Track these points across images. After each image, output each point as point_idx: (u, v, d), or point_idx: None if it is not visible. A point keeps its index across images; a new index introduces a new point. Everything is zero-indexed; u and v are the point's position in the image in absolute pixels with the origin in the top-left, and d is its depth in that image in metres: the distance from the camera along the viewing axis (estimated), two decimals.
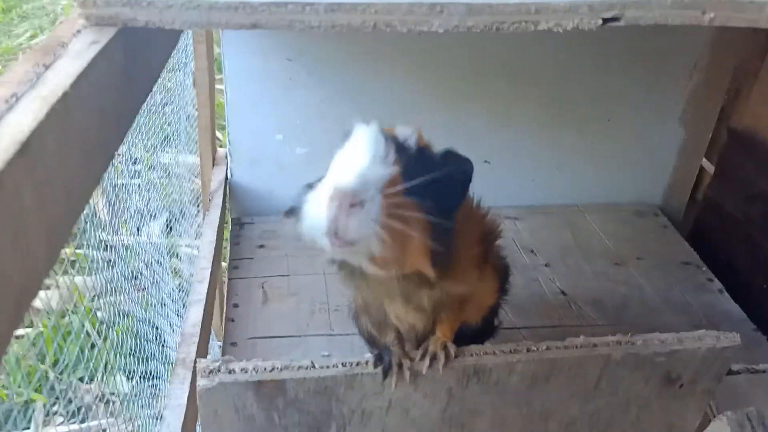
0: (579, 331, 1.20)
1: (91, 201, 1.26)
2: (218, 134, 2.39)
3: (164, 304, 1.81)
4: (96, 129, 0.80)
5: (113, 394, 1.39)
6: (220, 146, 2.20)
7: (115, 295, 1.43)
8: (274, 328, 1.64)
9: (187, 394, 1.28)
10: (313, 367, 1.11)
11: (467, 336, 1.17)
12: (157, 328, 1.70)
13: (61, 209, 0.70)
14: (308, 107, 1.91)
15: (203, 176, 2.04)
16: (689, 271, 1.93)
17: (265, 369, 1.11)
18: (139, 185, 1.90)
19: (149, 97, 1.70)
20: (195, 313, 1.45)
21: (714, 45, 1.98)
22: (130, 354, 1.32)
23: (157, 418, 1.44)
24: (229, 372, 1.10)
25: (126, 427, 1.31)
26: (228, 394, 1.10)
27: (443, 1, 0.78)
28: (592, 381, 1.19)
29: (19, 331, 0.92)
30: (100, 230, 1.40)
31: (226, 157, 2.01)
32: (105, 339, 1.23)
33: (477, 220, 1.13)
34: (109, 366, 1.21)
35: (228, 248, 1.96)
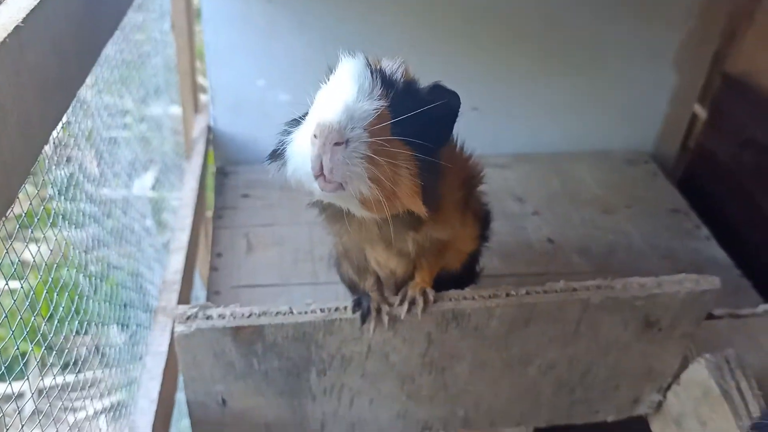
0: (565, 279, 1.20)
1: (79, 153, 1.24)
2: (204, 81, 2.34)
3: (154, 259, 1.81)
4: (54, 66, 0.77)
5: (108, 347, 1.41)
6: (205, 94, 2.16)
7: (108, 248, 1.43)
8: (257, 277, 1.63)
9: (168, 341, 1.28)
10: (291, 312, 1.11)
11: (448, 282, 1.17)
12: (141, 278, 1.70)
13: (16, 150, 0.68)
14: (291, 52, 1.86)
15: (185, 123, 2.01)
16: (677, 218, 1.92)
17: (242, 315, 1.11)
18: (128, 138, 1.87)
19: (137, 47, 1.66)
20: (176, 261, 1.44)
21: None
22: (124, 306, 1.32)
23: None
24: (207, 318, 1.10)
25: (121, 377, 1.32)
26: (206, 340, 1.10)
27: None
28: (572, 325, 1.19)
29: (12, 285, 0.91)
30: (90, 184, 1.39)
31: (209, 104, 1.97)
32: (99, 290, 1.23)
33: (460, 164, 1.11)
34: (104, 317, 1.21)
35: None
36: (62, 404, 1.04)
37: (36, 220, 0.96)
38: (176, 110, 2.14)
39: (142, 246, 1.57)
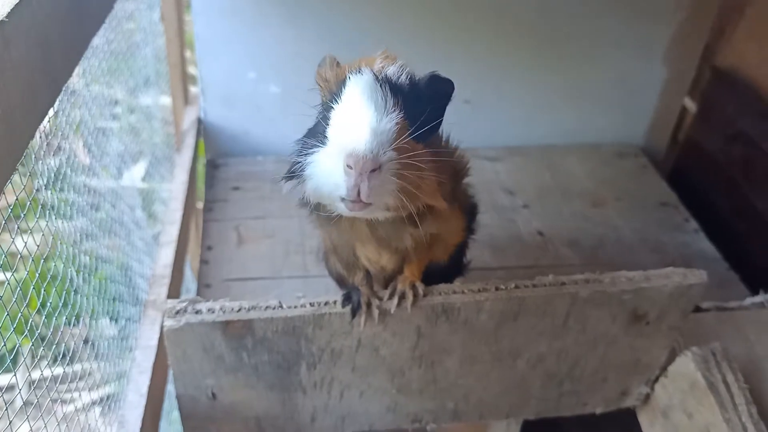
0: (554, 272, 1.20)
1: (69, 144, 1.23)
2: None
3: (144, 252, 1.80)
4: (39, 61, 0.77)
5: (98, 339, 1.41)
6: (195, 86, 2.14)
7: (96, 240, 1.42)
8: (248, 270, 1.63)
9: (157, 335, 1.28)
10: (281, 307, 1.11)
11: (436, 275, 1.17)
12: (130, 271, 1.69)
13: (1, 146, 0.67)
14: (282, 44, 1.85)
15: (175, 115, 2.00)
16: (667, 212, 1.93)
17: (232, 309, 1.10)
18: (119, 128, 1.86)
19: (126, 37, 1.65)
20: (166, 255, 1.44)
21: None
22: (113, 299, 1.32)
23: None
24: (196, 312, 1.10)
25: (111, 370, 1.32)
26: (195, 335, 1.10)
27: None
28: (561, 319, 1.20)
29: (1, 277, 0.90)
30: (80, 175, 1.38)
31: (200, 96, 1.96)
32: (88, 283, 1.23)
33: (447, 156, 1.11)
34: (93, 311, 1.21)
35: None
36: (51, 397, 1.03)
37: (23, 212, 0.96)
38: (166, 101, 2.13)
39: (132, 239, 1.56)
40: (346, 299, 1.12)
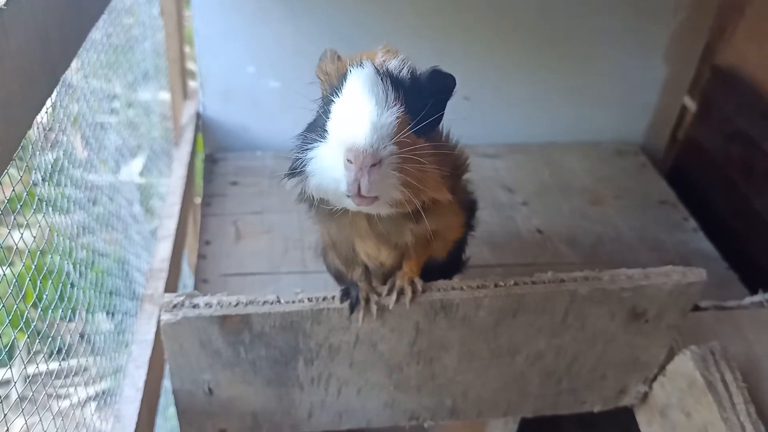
0: (553, 269, 1.20)
1: (66, 138, 1.22)
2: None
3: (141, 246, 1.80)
4: (38, 51, 0.76)
5: (95, 334, 1.40)
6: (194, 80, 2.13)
7: (93, 234, 1.41)
8: (246, 266, 1.62)
9: (154, 329, 1.27)
10: (279, 302, 1.11)
11: (435, 271, 1.17)
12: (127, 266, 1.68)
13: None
14: (281, 39, 1.85)
15: (174, 110, 1.99)
16: (665, 210, 1.93)
17: (229, 304, 1.10)
18: (116, 123, 1.85)
19: (125, 31, 1.64)
20: (163, 249, 1.43)
21: None
22: (110, 293, 1.31)
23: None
24: (193, 306, 1.09)
25: (107, 365, 1.32)
26: (192, 329, 1.09)
27: None
28: (559, 316, 1.19)
29: None
30: (77, 169, 1.38)
31: (199, 91, 1.95)
32: (85, 277, 1.22)
33: (447, 152, 1.10)
34: (90, 305, 1.20)
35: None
36: (46, 391, 1.03)
37: (19, 205, 0.95)
38: (165, 96, 2.12)
39: (129, 233, 1.56)
40: (345, 295, 1.11)
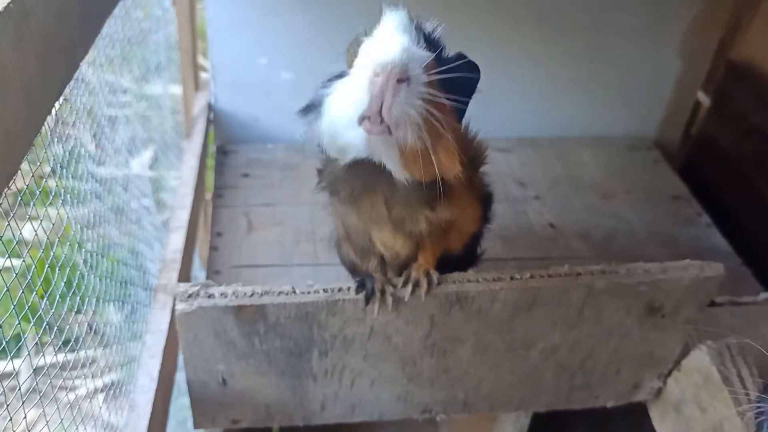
0: (566, 263, 1.19)
1: (76, 131, 1.22)
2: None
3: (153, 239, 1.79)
4: (58, 34, 0.76)
5: (106, 325, 1.40)
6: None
7: (104, 226, 1.41)
8: (258, 257, 1.62)
9: (168, 319, 1.27)
10: (294, 292, 1.10)
11: (449, 264, 1.16)
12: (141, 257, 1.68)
13: (20, 117, 0.66)
14: (293, 30, 1.84)
15: (185, 102, 1.98)
16: (678, 205, 1.92)
17: (245, 294, 1.09)
18: (127, 116, 1.85)
19: (138, 23, 1.63)
20: (176, 240, 1.43)
21: None
22: (120, 283, 1.31)
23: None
24: (209, 296, 1.09)
25: (116, 357, 1.31)
26: (207, 319, 1.09)
27: None
28: (575, 310, 1.18)
29: (8, 263, 0.89)
30: (89, 162, 1.37)
31: (210, 82, 1.95)
32: (96, 269, 1.22)
33: (466, 143, 1.09)
34: (99, 297, 1.20)
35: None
36: (52, 382, 1.02)
37: (33, 199, 0.94)
38: (176, 89, 2.12)
39: (142, 224, 1.56)
40: (360, 286, 1.11)
